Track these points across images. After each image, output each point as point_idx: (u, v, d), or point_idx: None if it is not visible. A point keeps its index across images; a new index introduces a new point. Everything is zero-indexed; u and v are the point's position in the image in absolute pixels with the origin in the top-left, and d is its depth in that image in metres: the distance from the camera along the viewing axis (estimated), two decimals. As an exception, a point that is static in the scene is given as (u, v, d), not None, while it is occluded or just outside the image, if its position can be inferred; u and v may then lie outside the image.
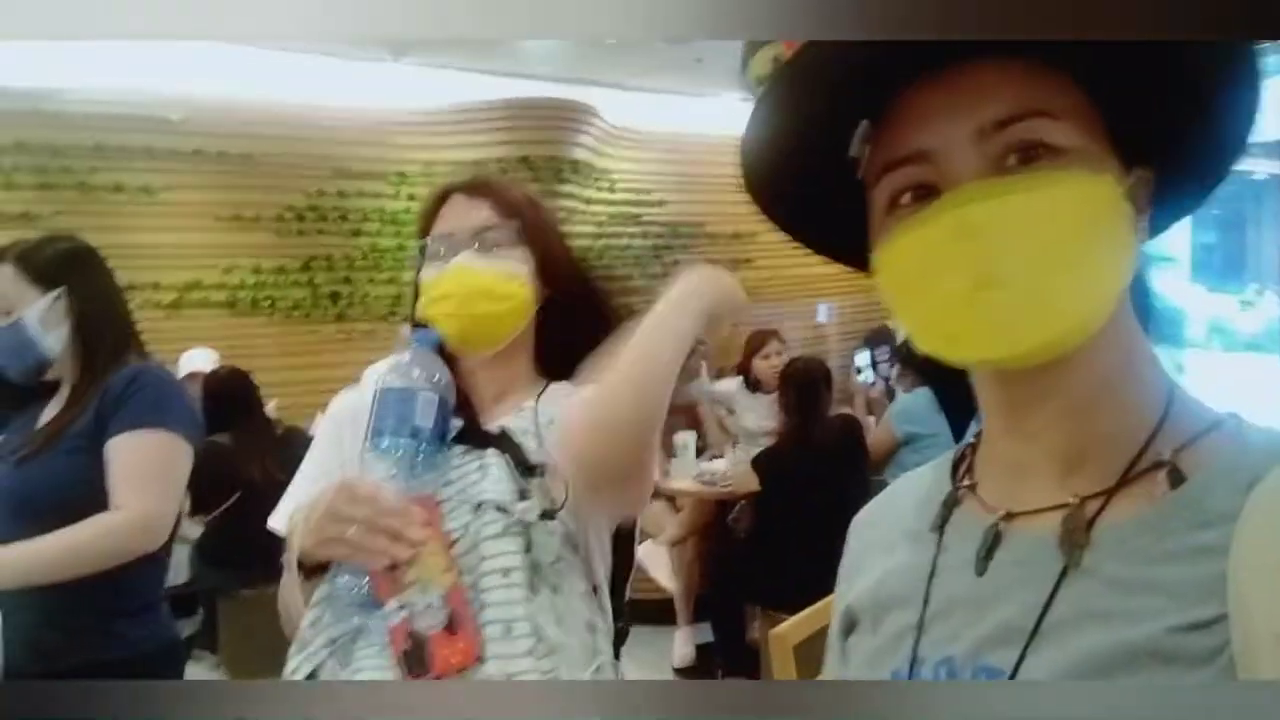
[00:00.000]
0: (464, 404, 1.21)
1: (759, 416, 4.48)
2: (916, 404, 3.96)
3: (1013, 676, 0.58)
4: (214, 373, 4.05)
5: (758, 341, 4.67)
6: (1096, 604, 0.56)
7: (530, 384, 1.28)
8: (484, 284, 1.19)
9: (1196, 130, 0.63)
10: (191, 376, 4.39)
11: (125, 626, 1.76)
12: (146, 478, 1.74)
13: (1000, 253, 0.57)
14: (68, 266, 1.86)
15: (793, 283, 8.48)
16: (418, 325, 1.22)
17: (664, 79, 7.44)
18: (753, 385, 4.63)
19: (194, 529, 3.60)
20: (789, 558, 3.38)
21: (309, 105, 6.34)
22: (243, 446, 3.59)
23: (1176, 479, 0.58)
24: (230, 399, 3.73)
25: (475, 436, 1.19)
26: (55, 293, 1.82)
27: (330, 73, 6.40)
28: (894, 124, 0.62)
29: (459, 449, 1.17)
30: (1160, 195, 0.64)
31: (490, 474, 1.14)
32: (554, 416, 1.19)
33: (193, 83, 5.92)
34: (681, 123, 7.85)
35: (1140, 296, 0.66)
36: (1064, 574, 0.59)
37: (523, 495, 1.12)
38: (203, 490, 3.28)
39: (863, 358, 4.89)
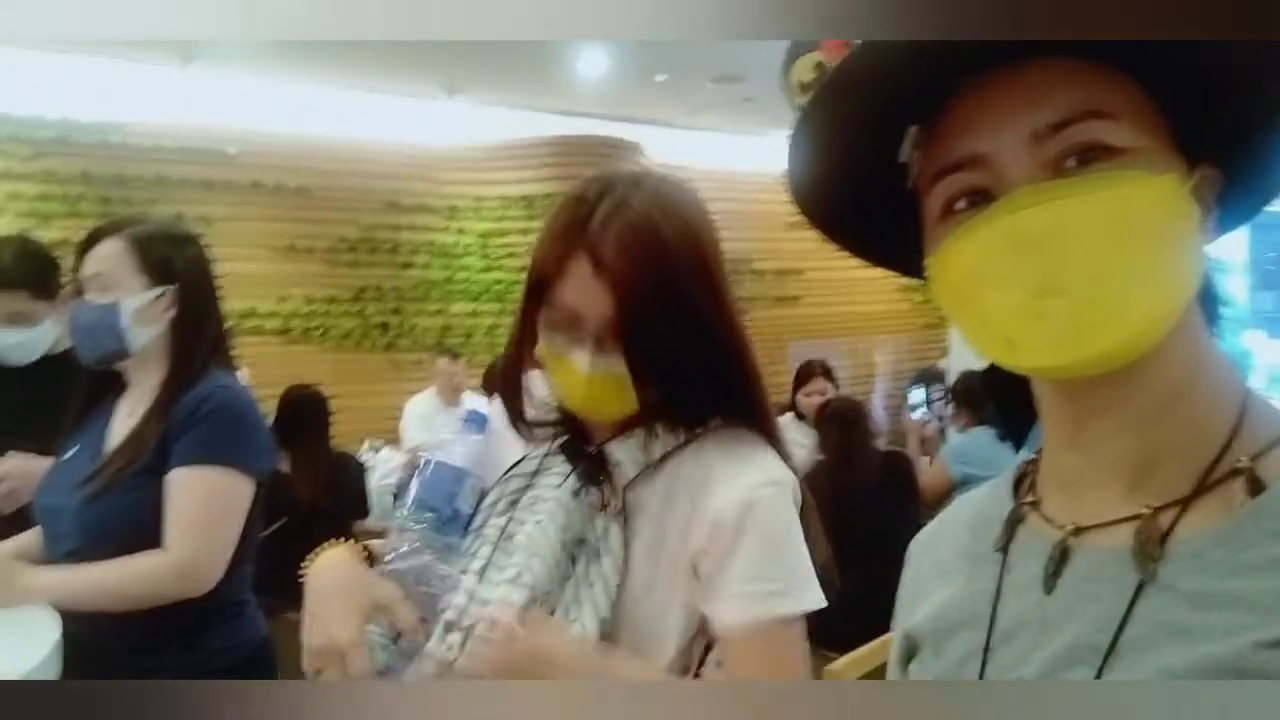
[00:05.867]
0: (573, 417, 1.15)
1: (809, 451, 4.42)
2: (973, 444, 3.87)
3: None
4: (295, 388, 3.96)
5: (803, 376, 4.61)
6: (1176, 619, 0.54)
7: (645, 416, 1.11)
8: (610, 395, 1.04)
9: (1264, 127, 0.60)
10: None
11: (207, 639, 1.70)
12: (200, 522, 1.63)
13: (1061, 259, 0.55)
14: (185, 266, 1.74)
15: (839, 320, 8.45)
16: (472, 411, 1.17)
17: (714, 118, 7.49)
18: (800, 418, 4.56)
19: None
20: (837, 593, 3.32)
21: (363, 140, 6.50)
22: (299, 471, 3.59)
23: (1256, 487, 0.55)
24: (302, 420, 3.71)
25: (572, 451, 1.11)
26: (161, 290, 1.70)
27: (384, 109, 6.56)
28: (945, 129, 0.61)
29: (558, 458, 1.12)
30: (1226, 193, 0.62)
31: (546, 516, 1.07)
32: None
33: (251, 118, 6.10)
34: (729, 161, 7.89)
35: (1206, 298, 0.63)
36: (1139, 589, 0.56)
37: (579, 541, 1.04)
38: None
39: (917, 395, 4.81)
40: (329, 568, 1.06)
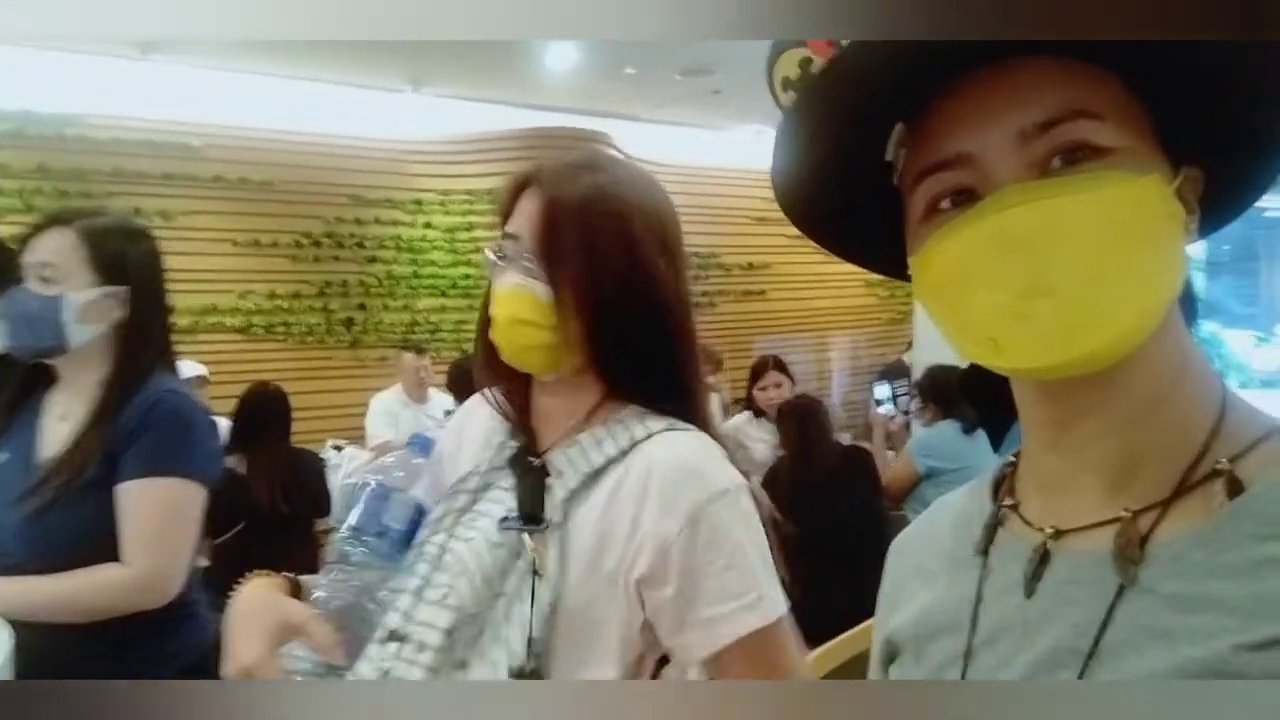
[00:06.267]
0: (526, 419, 1.14)
1: (769, 447, 4.44)
2: (938, 437, 3.89)
3: None
4: (256, 386, 3.88)
5: (757, 370, 4.62)
6: (1156, 622, 0.54)
7: (595, 404, 1.09)
8: (524, 313, 1.03)
9: (1249, 128, 0.60)
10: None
11: (158, 645, 1.65)
12: (157, 534, 1.60)
13: (1046, 259, 0.55)
14: (137, 263, 1.68)
15: (806, 314, 8.49)
16: (416, 435, 1.20)
17: (681, 111, 7.48)
18: (759, 414, 4.57)
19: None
20: (802, 588, 3.34)
21: (328, 133, 6.42)
22: (256, 472, 3.53)
23: (1235, 488, 0.55)
24: (264, 419, 3.64)
25: (519, 462, 1.08)
26: (111, 289, 1.64)
27: (349, 102, 6.48)
28: (931, 127, 0.60)
29: (503, 472, 1.09)
30: (1209, 194, 0.62)
31: (480, 528, 1.04)
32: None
33: (213, 111, 6.00)
34: (697, 154, 7.89)
35: (1184, 297, 0.63)
36: (1120, 592, 0.56)
37: (515, 555, 1.01)
38: (212, 516, 3.22)
39: (883, 390, 4.83)
40: (244, 596, 1.07)
